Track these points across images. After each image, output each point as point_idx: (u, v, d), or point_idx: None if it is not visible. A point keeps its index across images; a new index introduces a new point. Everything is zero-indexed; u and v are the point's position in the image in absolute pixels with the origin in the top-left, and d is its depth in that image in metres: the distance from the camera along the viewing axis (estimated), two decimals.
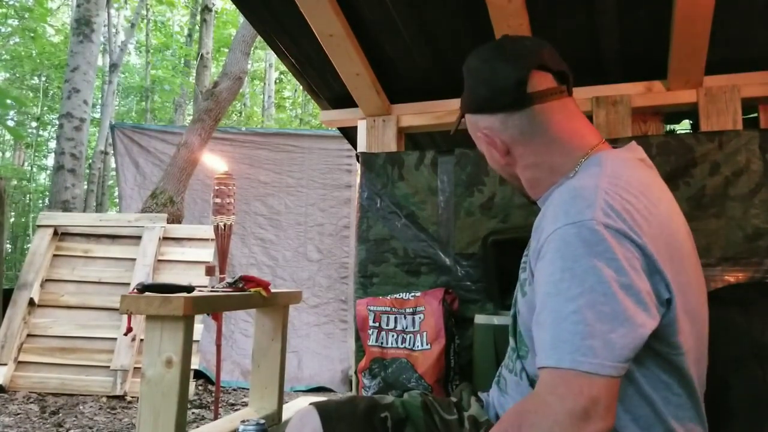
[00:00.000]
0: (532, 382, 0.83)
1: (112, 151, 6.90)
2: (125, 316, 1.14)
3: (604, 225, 0.68)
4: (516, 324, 0.89)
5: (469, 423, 0.89)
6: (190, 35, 12.04)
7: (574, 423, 0.61)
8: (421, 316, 1.44)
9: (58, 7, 13.50)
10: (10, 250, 11.50)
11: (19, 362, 3.62)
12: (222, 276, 1.58)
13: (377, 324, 1.49)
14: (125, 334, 1.18)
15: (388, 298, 1.52)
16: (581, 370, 0.62)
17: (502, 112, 0.87)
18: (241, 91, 6.41)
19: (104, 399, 3.42)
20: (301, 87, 4.31)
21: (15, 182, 12.34)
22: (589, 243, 0.67)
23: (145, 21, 12.50)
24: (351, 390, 3.89)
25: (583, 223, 0.68)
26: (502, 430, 0.66)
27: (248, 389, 2.00)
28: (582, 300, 0.65)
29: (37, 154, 14.28)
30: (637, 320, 0.65)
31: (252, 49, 5.83)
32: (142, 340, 3.44)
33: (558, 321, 0.65)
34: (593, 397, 0.61)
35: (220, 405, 3.35)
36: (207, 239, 3.88)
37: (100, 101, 10.67)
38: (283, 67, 12.43)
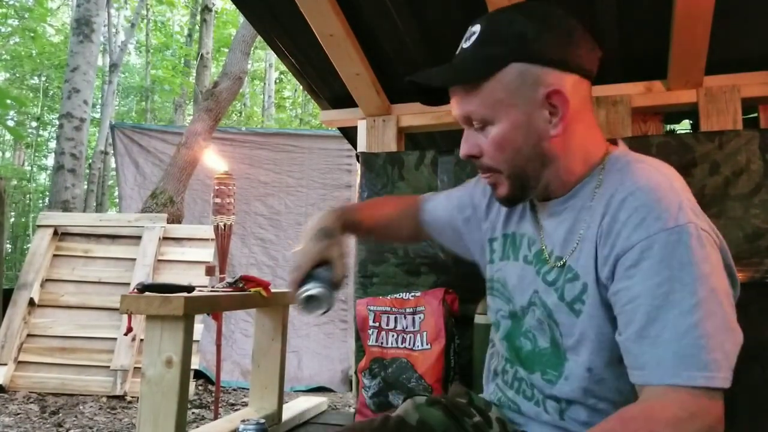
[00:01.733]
0: (561, 407, 0.77)
1: (112, 151, 6.90)
2: (125, 316, 1.14)
3: (701, 228, 0.67)
4: (533, 348, 0.80)
5: (498, 425, 0.83)
6: (190, 35, 12.04)
7: None
8: (421, 316, 1.44)
9: (58, 7, 13.49)
10: (10, 250, 11.50)
11: (19, 362, 3.62)
12: (222, 276, 1.59)
13: (377, 324, 1.49)
14: (125, 334, 1.19)
15: (388, 298, 1.52)
16: (711, 386, 0.61)
17: (578, 73, 0.76)
18: (241, 91, 6.42)
19: (104, 399, 3.42)
20: (301, 87, 4.31)
21: (15, 182, 12.34)
22: (692, 249, 0.65)
23: (145, 21, 12.51)
24: (351, 390, 3.89)
25: (683, 228, 0.65)
26: None
27: (248, 389, 2.00)
28: (699, 312, 0.62)
29: (37, 154, 14.28)
30: (737, 326, 0.66)
31: (252, 49, 5.84)
32: (142, 340, 3.44)
33: (679, 336, 0.62)
34: (718, 416, 0.62)
35: (220, 405, 3.35)
36: (207, 239, 3.88)
37: (100, 101, 10.67)
38: (283, 67, 12.43)
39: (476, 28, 0.76)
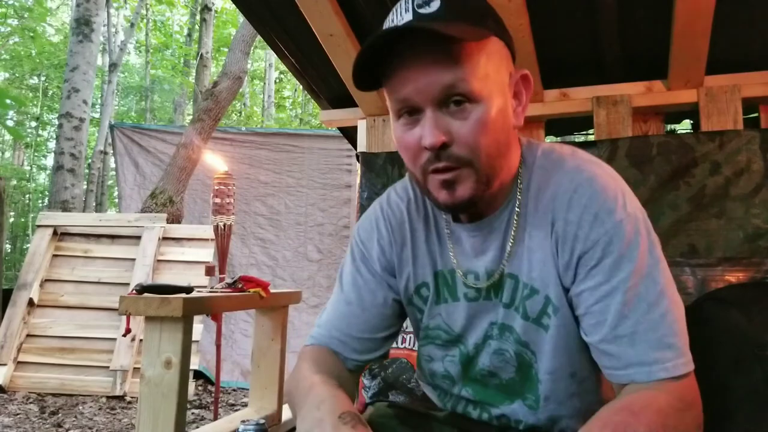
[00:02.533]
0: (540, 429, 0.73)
1: (112, 151, 6.89)
2: (124, 317, 1.14)
3: (640, 210, 0.66)
4: (499, 382, 0.74)
5: (499, 423, 0.77)
6: (189, 35, 12.04)
7: (700, 425, 0.62)
8: None
9: (58, 7, 13.49)
10: (9, 250, 11.49)
11: (19, 362, 3.61)
12: (222, 276, 1.58)
13: None
14: (124, 335, 1.18)
15: None
16: (690, 370, 0.62)
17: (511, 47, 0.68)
18: (240, 90, 6.41)
19: (104, 399, 3.41)
20: (301, 87, 4.30)
21: (14, 182, 12.33)
22: (644, 236, 0.64)
23: (145, 20, 12.49)
24: None
25: (634, 216, 0.64)
26: None
27: (248, 389, 2.00)
28: (665, 300, 0.63)
29: (36, 153, 14.28)
30: (679, 297, 0.66)
31: (252, 48, 5.83)
32: (141, 340, 3.44)
33: (654, 328, 0.61)
34: (698, 394, 0.63)
35: (219, 405, 3.34)
36: (207, 239, 3.87)
37: (99, 101, 10.67)
38: (283, 67, 12.43)
39: None
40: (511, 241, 0.69)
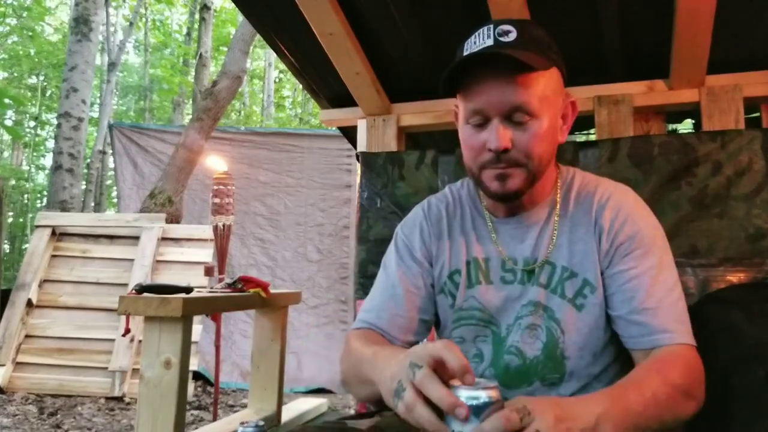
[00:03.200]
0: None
1: (111, 151, 6.88)
2: (123, 317, 1.14)
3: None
4: (522, 362, 0.83)
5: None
6: (188, 34, 12.02)
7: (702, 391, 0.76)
8: None
9: (57, 6, 13.47)
10: (8, 251, 11.48)
11: (17, 363, 3.60)
12: (221, 276, 1.57)
13: None
14: (123, 336, 1.18)
15: None
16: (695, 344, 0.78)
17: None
18: (240, 90, 6.41)
19: (103, 400, 3.41)
20: (300, 86, 4.29)
21: (13, 182, 12.31)
22: (663, 239, 0.84)
23: (144, 20, 12.48)
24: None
25: (656, 223, 0.85)
26: (665, 393, 0.69)
27: (247, 390, 1.99)
28: (678, 287, 0.81)
29: (35, 153, 14.26)
30: None
31: (251, 47, 5.82)
32: (140, 341, 3.43)
33: (672, 307, 0.78)
34: None
35: (219, 406, 3.33)
36: (206, 239, 3.86)
37: (98, 100, 10.66)
38: (282, 66, 12.42)
39: (508, 27, 0.78)
40: (554, 234, 0.86)
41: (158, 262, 3.87)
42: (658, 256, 0.81)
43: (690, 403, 0.72)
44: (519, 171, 0.80)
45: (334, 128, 2.41)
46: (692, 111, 1.65)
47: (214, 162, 1.73)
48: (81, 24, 5.60)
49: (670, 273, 0.81)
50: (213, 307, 1.36)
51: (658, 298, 0.78)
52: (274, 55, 2.05)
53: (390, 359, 0.66)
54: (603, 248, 0.82)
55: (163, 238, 3.96)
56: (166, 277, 3.73)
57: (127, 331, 1.22)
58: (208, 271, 1.61)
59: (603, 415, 0.62)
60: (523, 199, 0.85)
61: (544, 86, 0.78)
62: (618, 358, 0.84)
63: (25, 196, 13.53)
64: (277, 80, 14.18)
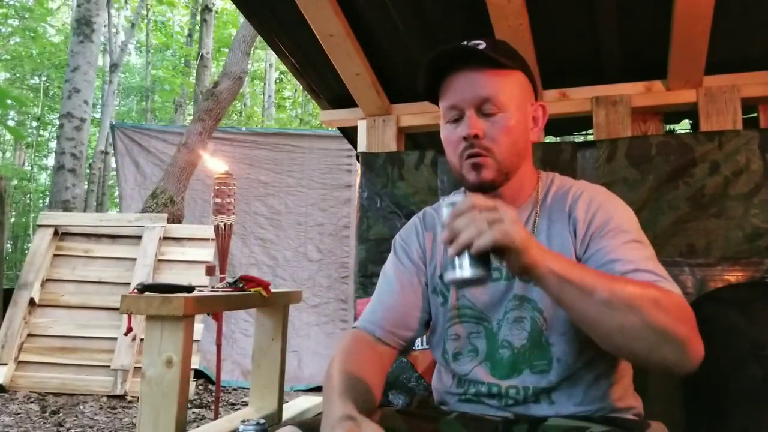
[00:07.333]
0: (552, 396, 0.87)
1: (113, 151, 6.90)
2: (125, 316, 1.15)
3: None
4: (511, 353, 0.88)
5: (507, 394, 0.88)
6: (190, 35, 12.05)
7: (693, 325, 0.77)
8: None
9: (59, 7, 13.50)
10: (10, 250, 11.50)
11: (20, 362, 3.62)
12: (222, 276, 1.58)
13: None
14: (125, 334, 1.19)
15: None
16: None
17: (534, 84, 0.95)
18: (241, 91, 6.42)
19: (104, 399, 3.42)
20: (301, 87, 4.31)
21: (15, 182, 12.34)
22: (636, 222, 0.88)
23: (146, 21, 12.51)
24: None
25: (627, 211, 0.90)
26: (631, 293, 0.71)
27: (248, 389, 2.00)
28: (656, 260, 0.83)
29: (37, 154, 14.29)
30: None
31: (252, 49, 5.84)
32: (142, 339, 3.44)
33: (654, 266, 0.80)
34: None
35: (220, 405, 3.35)
36: (207, 239, 3.88)
37: (100, 101, 10.68)
38: (283, 67, 12.42)
39: (479, 41, 0.87)
40: (534, 232, 0.90)
41: (160, 261, 3.89)
42: (633, 234, 0.84)
43: (669, 326, 0.70)
44: (490, 160, 0.87)
45: (334, 129, 2.42)
46: (690, 111, 1.65)
47: (215, 162, 1.74)
48: (83, 25, 5.62)
49: (647, 248, 0.83)
50: (214, 306, 1.37)
51: (637, 257, 0.80)
52: (275, 56, 2.06)
53: (329, 416, 0.73)
54: (579, 237, 0.87)
55: (165, 238, 3.98)
56: (168, 277, 3.75)
57: (129, 329, 1.23)
58: (210, 271, 1.62)
59: (549, 253, 0.71)
60: (505, 200, 0.88)
61: (512, 85, 0.88)
62: None
63: (28, 196, 13.55)
64: (277, 81, 14.19)
